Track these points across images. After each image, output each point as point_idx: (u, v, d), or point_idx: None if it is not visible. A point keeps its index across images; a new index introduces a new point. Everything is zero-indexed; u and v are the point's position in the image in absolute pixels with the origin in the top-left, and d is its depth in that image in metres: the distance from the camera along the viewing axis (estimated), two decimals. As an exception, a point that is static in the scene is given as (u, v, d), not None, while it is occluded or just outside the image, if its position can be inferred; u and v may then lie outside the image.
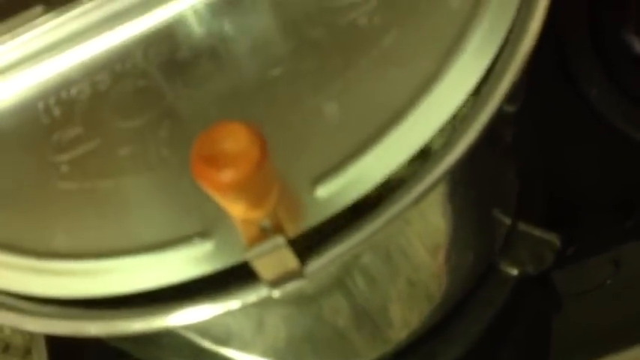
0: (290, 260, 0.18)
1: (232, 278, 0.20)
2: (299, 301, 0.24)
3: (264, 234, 0.18)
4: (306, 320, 0.26)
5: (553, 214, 0.37)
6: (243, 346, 0.25)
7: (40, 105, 0.23)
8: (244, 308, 0.20)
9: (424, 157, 0.20)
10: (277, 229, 0.18)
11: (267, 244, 0.17)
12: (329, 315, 0.27)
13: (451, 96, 0.19)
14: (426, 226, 0.25)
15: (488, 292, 0.36)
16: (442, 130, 0.20)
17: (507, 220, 0.33)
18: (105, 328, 0.19)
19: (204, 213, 0.19)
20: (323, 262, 0.19)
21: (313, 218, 0.19)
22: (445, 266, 0.29)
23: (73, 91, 0.23)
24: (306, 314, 0.26)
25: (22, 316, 0.20)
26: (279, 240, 0.17)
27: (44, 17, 0.23)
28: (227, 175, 0.17)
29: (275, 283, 0.18)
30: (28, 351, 0.40)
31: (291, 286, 0.18)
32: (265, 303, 0.20)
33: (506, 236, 0.34)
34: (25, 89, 0.23)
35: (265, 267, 0.18)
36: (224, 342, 0.24)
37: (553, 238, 0.33)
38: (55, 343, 0.39)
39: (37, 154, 0.22)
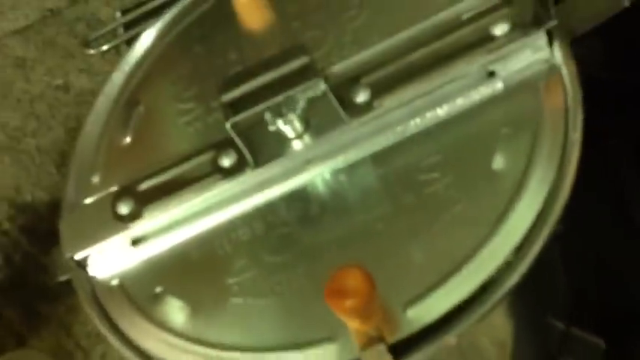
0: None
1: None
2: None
3: (371, 341, 0.27)
4: None
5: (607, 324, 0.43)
6: None
7: (217, 242, 0.33)
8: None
9: (486, 289, 0.29)
10: (380, 338, 0.27)
11: (374, 350, 0.27)
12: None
13: (501, 249, 0.28)
14: (492, 338, 0.34)
15: None
16: (498, 271, 0.28)
17: (560, 325, 0.40)
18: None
19: (331, 325, 0.28)
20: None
21: (405, 331, 0.28)
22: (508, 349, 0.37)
23: (239, 233, 0.33)
24: None
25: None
26: (382, 347, 0.27)
27: (221, 182, 0.33)
28: (348, 304, 0.26)
29: (379, 375, 0.27)
30: None
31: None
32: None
33: (562, 339, 0.41)
34: (206, 231, 0.33)
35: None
36: None
37: (600, 342, 0.40)
38: None
39: (217, 277, 0.32)
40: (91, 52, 0.50)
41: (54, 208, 0.34)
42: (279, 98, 0.31)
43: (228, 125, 0.31)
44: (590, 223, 0.43)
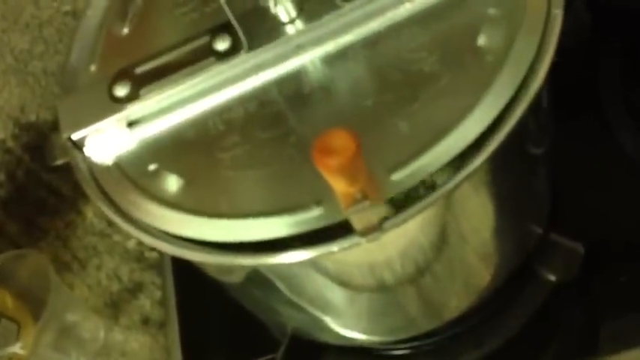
0: (373, 217, 0.28)
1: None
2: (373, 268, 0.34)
3: (357, 201, 0.28)
4: (372, 289, 0.36)
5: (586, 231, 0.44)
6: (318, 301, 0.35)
7: (210, 122, 0.34)
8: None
9: (465, 158, 0.30)
10: (365, 198, 0.28)
11: (359, 206, 0.28)
12: (394, 287, 0.36)
13: (482, 119, 0.29)
14: (470, 218, 0.35)
15: (528, 292, 0.43)
16: (476, 142, 0.29)
17: (539, 229, 0.41)
18: (253, 260, 0.30)
19: (318, 189, 0.29)
20: (395, 222, 0.29)
21: (388, 193, 0.29)
22: (489, 253, 0.38)
23: (232, 113, 0.34)
24: (372, 283, 0.35)
25: (197, 252, 0.31)
26: (367, 204, 0.28)
27: (215, 65, 0.34)
28: (334, 161, 0.27)
29: (364, 233, 0.28)
30: (163, 324, 0.50)
31: (374, 236, 0.28)
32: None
33: (541, 244, 0.42)
34: (201, 112, 0.34)
35: (358, 221, 0.28)
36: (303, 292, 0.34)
37: (578, 247, 0.41)
38: (186, 317, 0.48)
39: (210, 152, 0.33)
40: None
41: (57, 127, 0.35)
42: (273, -25, 0.32)
43: (223, 1, 0.32)
44: (577, 142, 0.44)
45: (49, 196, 0.56)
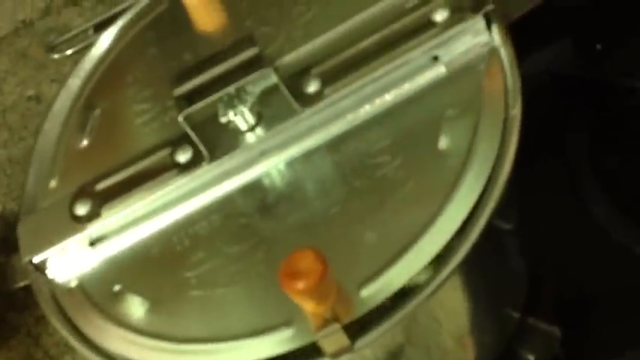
0: (344, 340, 0.27)
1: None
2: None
3: (327, 322, 0.27)
4: None
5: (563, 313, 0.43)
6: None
7: (175, 237, 0.33)
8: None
9: (436, 265, 0.29)
10: (335, 319, 0.28)
11: (328, 330, 0.27)
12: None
13: (450, 224, 0.29)
14: (446, 316, 0.34)
15: None
16: (447, 247, 0.29)
17: (516, 315, 0.41)
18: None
19: (288, 310, 0.28)
20: (367, 341, 0.28)
21: (360, 310, 0.28)
22: (467, 346, 0.37)
23: (197, 227, 0.33)
24: None
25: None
26: (336, 327, 0.27)
27: (177, 177, 0.34)
28: (301, 285, 0.26)
29: (335, 355, 0.27)
30: None
31: (345, 357, 0.27)
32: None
33: (519, 326, 0.42)
34: (165, 227, 0.34)
35: (328, 345, 0.27)
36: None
37: (555, 331, 0.41)
38: None
39: (176, 271, 0.32)
40: (55, 56, 0.49)
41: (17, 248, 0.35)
42: (230, 89, 0.32)
43: (180, 118, 0.32)
44: (546, 216, 0.44)
45: (18, 291, 0.54)
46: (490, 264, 0.36)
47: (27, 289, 0.53)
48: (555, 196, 0.46)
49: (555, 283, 0.43)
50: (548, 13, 0.36)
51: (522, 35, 0.33)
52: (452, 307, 0.34)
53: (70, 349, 0.50)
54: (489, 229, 0.32)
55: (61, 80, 0.51)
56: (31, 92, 0.61)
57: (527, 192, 0.38)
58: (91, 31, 0.44)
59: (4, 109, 0.62)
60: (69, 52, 0.47)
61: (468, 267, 0.32)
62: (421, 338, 0.35)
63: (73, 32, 0.48)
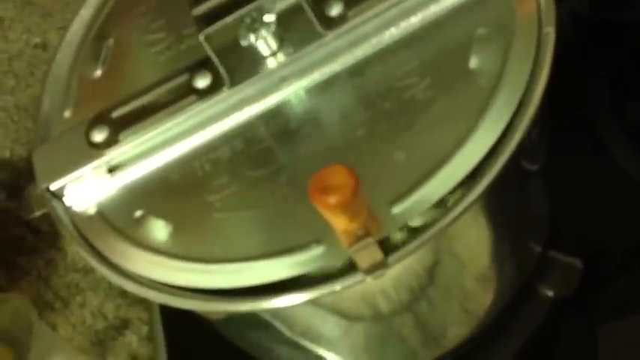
0: (377, 254, 0.27)
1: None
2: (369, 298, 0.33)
3: (359, 239, 0.27)
4: (367, 319, 0.35)
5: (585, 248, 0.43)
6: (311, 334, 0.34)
7: (196, 163, 0.33)
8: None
9: (464, 187, 0.29)
10: (368, 235, 0.27)
11: (363, 243, 0.26)
12: (391, 317, 0.35)
13: (481, 145, 0.29)
14: (470, 246, 0.34)
15: (528, 310, 0.42)
16: (477, 168, 0.28)
17: (538, 248, 0.41)
18: (250, 306, 0.28)
19: (317, 228, 0.28)
20: (399, 256, 0.27)
21: (391, 228, 0.28)
22: (488, 279, 0.37)
23: (218, 153, 0.32)
24: (368, 313, 0.34)
25: (190, 299, 0.29)
26: (370, 240, 0.26)
27: (196, 103, 0.33)
28: (333, 200, 0.26)
29: (369, 271, 0.27)
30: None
31: (379, 273, 0.27)
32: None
33: (539, 261, 0.42)
34: (185, 153, 0.33)
35: (361, 260, 0.27)
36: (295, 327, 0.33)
37: (577, 263, 0.41)
38: (175, 352, 0.46)
39: (198, 195, 0.31)
40: None
41: (33, 174, 0.34)
42: (251, 8, 0.31)
43: (201, 37, 0.31)
44: (569, 157, 0.44)
45: (27, 234, 0.53)
46: (513, 199, 0.35)
47: (37, 233, 0.53)
48: (575, 136, 0.45)
49: (576, 221, 0.43)
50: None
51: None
52: (474, 241, 0.34)
53: (80, 291, 0.51)
54: (516, 167, 0.31)
55: (68, 27, 0.50)
56: (37, 40, 0.61)
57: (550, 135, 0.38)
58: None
59: (11, 56, 0.61)
60: None
61: (494, 192, 0.31)
62: (443, 278, 0.34)
63: None
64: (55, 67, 0.38)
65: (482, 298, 0.39)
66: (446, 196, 0.28)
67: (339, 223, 0.27)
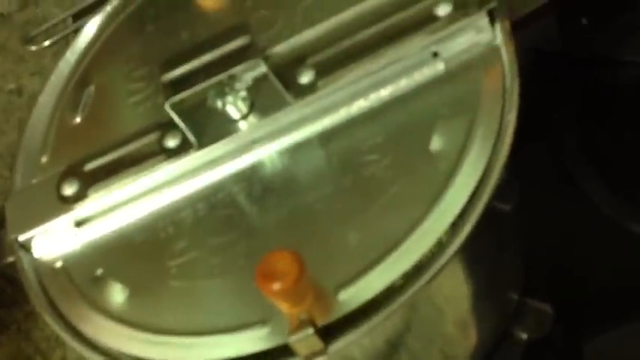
0: (317, 344, 0.27)
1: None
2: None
3: (301, 325, 0.27)
4: None
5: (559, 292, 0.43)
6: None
7: (160, 224, 0.33)
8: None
9: (417, 269, 0.29)
10: (311, 320, 0.27)
11: (303, 333, 0.27)
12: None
13: (432, 232, 0.28)
14: (449, 300, 0.34)
15: (504, 353, 0.43)
16: (425, 256, 0.28)
17: (515, 296, 0.40)
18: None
19: (265, 307, 0.28)
20: (340, 346, 0.27)
21: (337, 313, 0.28)
22: (468, 328, 0.37)
23: (182, 215, 0.33)
24: None
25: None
26: (310, 331, 0.27)
27: (165, 163, 0.33)
28: (277, 286, 0.26)
29: (307, 358, 0.27)
30: None
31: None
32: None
33: (516, 308, 0.42)
34: (150, 212, 0.33)
35: (301, 347, 0.27)
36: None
37: (547, 308, 0.40)
38: None
39: (158, 259, 0.32)
40: (33, 48, 0.47)
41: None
42: (219, 77, 0.31)
43: (167, 105, 0.31)
44: (536, 195, 0.43)
45: (6, 287, 0.53)
46: (488, 249, 0.35)
47: (16, 285, 0.53)
48: (545, 173, 0.45)
49: (548, 261, 0.43)
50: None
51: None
52: (453, 294, 0.34)
53: (61, 344, 0.51)
54: (490, 213, 0.31)
55: (42, 73, 0.50)
56: (11, 86, 0.61)
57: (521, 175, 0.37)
58: (69, 21, 0.43)
59: None
60: (47, 43, 0.45)
61: (467, 254, 0.31)
62: (422, 327, 0.34)
63: (51, 22, 0.46)
64: (37, 109, 0.38)
65: (461, 342, 0.39)
66: (394, 282, 0.28)
67: (284, 307, 0.27)
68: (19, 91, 0.60)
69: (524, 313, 0.41)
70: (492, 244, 0.36)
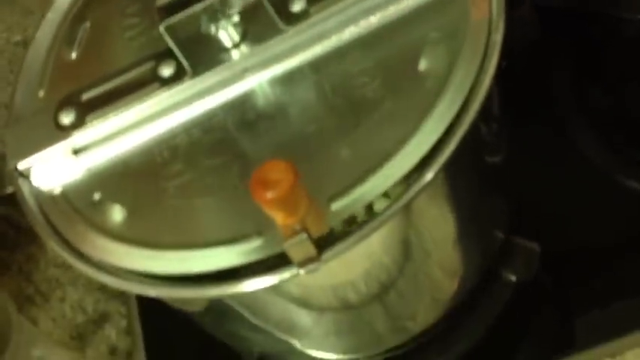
0: (311, 250, 0.28)
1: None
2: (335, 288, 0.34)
3: (296, 233, 0.28)
4: (337, 309, 0.36)
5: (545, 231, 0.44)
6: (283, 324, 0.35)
7: (155, 149, 0.34)
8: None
9: (408, 183, 0.30)
10: (304, 230, 0.28)
11: (297, 238, 0.28)
12: (359, 306, 0.36)
13: (421, 145, 0.29)
14: (434, 234, 0.35)
15: (492, 295, 0.44)
16: (417, 167, 0.29)
17: (501, 234, 0.42)
18: (193, 293, 0.30)
19: (260, 220, 0.29)
20: (334, 252, 0.29)
21: (329, 223, 0.29)
22: (454, 265, 0.38)
23: (177, 140, 0.34)
24: (337, 303, 0.36)
25: (145, 286, 0.31)
26: (304, 236, 0.28)
27: (160, 91, 0.34)
28: (271, 194, 0.27)
29: (302, 265, 0.28)
30: (130, 353, 0.49)
31: (312, 267, 0.28)
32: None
33: (502, 248, 0.43)
34: (146, 139, 0.34)
35: (296, 254, 0.28)
36: (267, 317, 0.35)
37: (535, 247, 0.42)
38: (152, 345, 0.48)
39: (155, 181, 0.33)
40: None
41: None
42: (213, 0, 0.32)
43: (161, 28, 0.32)
44: (534, 148, 0.45)
45: (8, 230, 0.55)
46: (475, 189, 0.36)
47: (18, 229, 0.54)
48: (537, 124, 0.46)
49: (536, 207, 0.44)
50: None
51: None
52: (436, 224, 0.35)
53: (60, 285, 0.52)
54: (473, 159, 0.32)
55: None
56: (18, 37, 0.61)
57: (512, 122, 0.38)
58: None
59: None
60: None
61: (452, 181, 0.32)
62: (411, 269, 0.36)
63: None
64: (33, 47, 0.39)
65: (449, 284, 0.40)
66: (389, 190, 0.29)
67: (278, 216, 0.28)
68: (24, 43, 0.60)
69: (512, 252, 0.43)
70: (478, 185, 0.38)
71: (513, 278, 0.43)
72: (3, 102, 0.59)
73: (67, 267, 0.52)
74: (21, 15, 0.61)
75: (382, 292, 0.36)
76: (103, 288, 0.51)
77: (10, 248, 0.53)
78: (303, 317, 0.36)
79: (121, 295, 0.50)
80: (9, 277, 0.53)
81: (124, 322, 0.50)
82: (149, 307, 0.48)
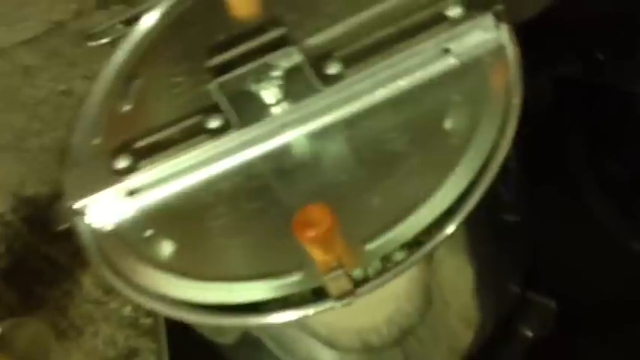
0: (347, 284, 0.31)
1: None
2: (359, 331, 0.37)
3: (333, 269, 0.31)
4: (360, 351, 0.39)
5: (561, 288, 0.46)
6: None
7: (201, 193, 0.37)
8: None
9: (434, 232, 0.33)
10: (341, 266, 0.31)
11: (335, 273, 0.31)
12: (379, 347, 0.39)
13: (448, 196, 0.33)
14: (454, 286, 0.38)
15: (508, 349, 0.46)
16: (443, 215, 0.33)
17: (516, 288, 0.44)
18: (235, 321, 0.33)
19: (299, 256, 0.32)
20: (367, 288, 0.32)
21: (363, 262, 0.32)
22: (471, 316, 0.41)
23: (220, 185, 0.37)
24: (360, 346, 0.38)
25: (186, 312, 0.34)
26: (341, 272, 0.31)
27: (207, 142, 0.38)
28: (312, 233, 0.30)
29: (339, 298, 0.31)
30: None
31: (348, 300, 0.31)
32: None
33: (518, 303, 0.45)
34: (193, 184, 0.38)
35: (333, 287, 0.31)
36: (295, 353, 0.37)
37: (551, 303, 0.44)
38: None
39: (200, 221, 0.36)
40: (92, 44, 0.53)
41: (54, 200, 0.39)
42: (259, 63, 0.36)
43: (213, 85, 0.35)
44: (548, 209, 0.47)
45: (46, 267, 0.58)
46: (494, 245, 0.39)
47: (55, 265, 0.57)
48: (558, 193, 0.49)
49: (554, 265, 0.46)
50: (553, 23, 0.40)
51: (528, 44, 0.37)
52: (454, 275, 0.38)
53: (94, 321, 0.55)
54: (493, 217, 0.35)
55: (92, 77, 0.55)
56: (63, 87, 0.65)
57: (533, 185, 0.41)
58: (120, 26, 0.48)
59: (37, 102, 0.65)
60: (105, 40, 0.50)
61: (472, 235, 0.36)
62: (431, 318, 0.38)
63: (107, 24, 0.51)
64: (89, 98, 0.43)
65: (465, 334, 0.43)
66: (419, 237, 0.33)
67: (317, 253, 0.31)
68: (69, 93, 0.64)
69: (528, 308, 0.45)
70: (496, 240, 0.41)
71: (529, 334, 0.45)
72: (48, 146, 0.63)
73: (100, 303, 0.55)
74: (65, 66, 0.65)
75: (402, 337, 0.39)
76: (134, 324, 0.54)
77: (47, 284, 0.56)
78: (327, 356, 0.39)
79: (151, 332, 0.52)
80: (44, 312, 0.55)
81: (152, 358, 0.52)
82: (178, 344, 0.50)
